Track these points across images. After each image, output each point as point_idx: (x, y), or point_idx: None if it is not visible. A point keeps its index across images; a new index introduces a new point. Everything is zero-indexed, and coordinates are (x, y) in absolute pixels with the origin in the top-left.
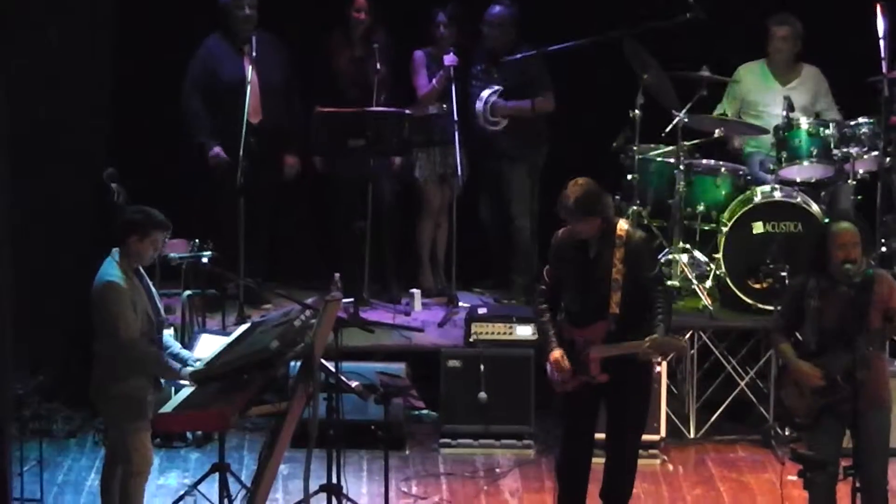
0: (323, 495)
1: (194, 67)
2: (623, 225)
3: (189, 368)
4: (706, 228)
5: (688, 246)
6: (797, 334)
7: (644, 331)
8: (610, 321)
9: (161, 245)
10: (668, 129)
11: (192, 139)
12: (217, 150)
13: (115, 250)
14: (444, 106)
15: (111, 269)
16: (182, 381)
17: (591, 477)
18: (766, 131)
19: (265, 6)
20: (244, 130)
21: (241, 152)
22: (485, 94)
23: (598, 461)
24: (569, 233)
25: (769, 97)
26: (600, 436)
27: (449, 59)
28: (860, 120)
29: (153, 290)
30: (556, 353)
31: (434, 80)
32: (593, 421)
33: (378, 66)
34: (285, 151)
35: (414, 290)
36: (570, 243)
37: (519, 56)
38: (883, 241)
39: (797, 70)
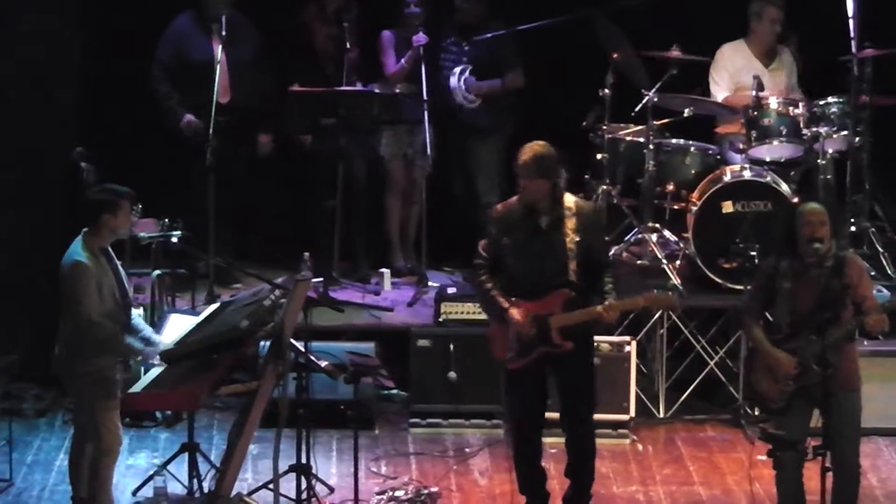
0: (293, 475)
1: (163, 47)
2: (570, 197)
3: (155, 348)
4: (676, 208)
5: (657, 225)
6: (768, 315)
7: (596, 300)
8: (569, 290)
9: (124, 221)
10: (637, 109)
11: (165, 115)
12: (189, 116)
13: (85, 230)
14: (414, 86)
15: (78, 249)
16: (151, 361)
17: (560, 457)
18: (735, 111)
19: None
20: (213, 110)
21: (210, 131)
22: (456, 70)
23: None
24: (512, 205)
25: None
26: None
27: (418, 38)
28: (830, 99)
29: (121, 270)
30: (518, 313)
31: (403, 60)
32: (544, 399)
33: (348, 44)
34: (257, 130)
35: (383, 270)
36: (517, 214)
37: (490, 35)
38: (853, 220)
39: (777, 51)
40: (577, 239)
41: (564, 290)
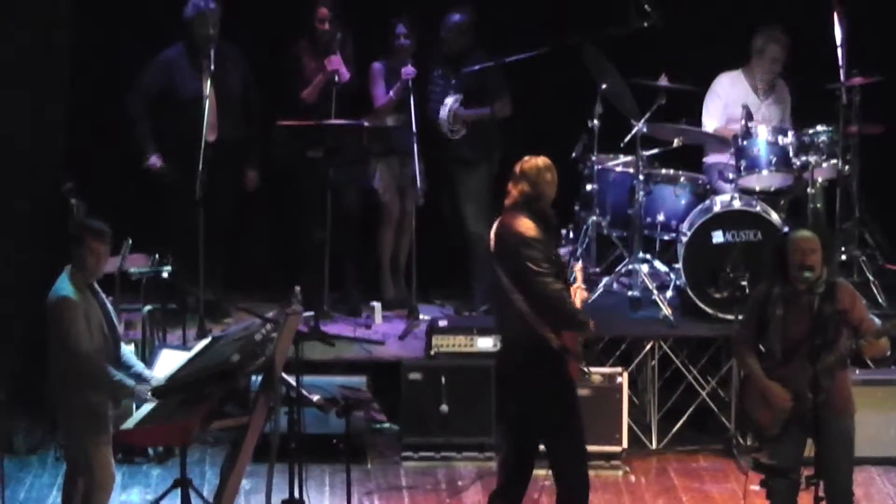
0: None
1: (149, 75)
2: None
3: (146, 385)
4: (666, 238)
5: (647, 256)
6: (761, 345)
7: None
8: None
9: (102, 255)
10: (627, 139)
11: (133, 137)
12: (154, 158)
13: (69, 266)
14: (403, 116)
15: (64, 284)
16: (143, 397)
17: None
18: (726, 141)
19: (231, 14)
20: (202, 145)
21: (199, 166)
22: (448, 101)
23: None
24: (537, 225)
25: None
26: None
27: (407, 71)
28: (818, 128)
29: (109, 306)
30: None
31: (391, 92)
32: None
33: (337, 79)
34: (245, 164)
35: (374, 303)
36: (545, 234)
37: (478, 67)
38: (843, 248)
39: (774, 85)
40: None
41: (577, 286)
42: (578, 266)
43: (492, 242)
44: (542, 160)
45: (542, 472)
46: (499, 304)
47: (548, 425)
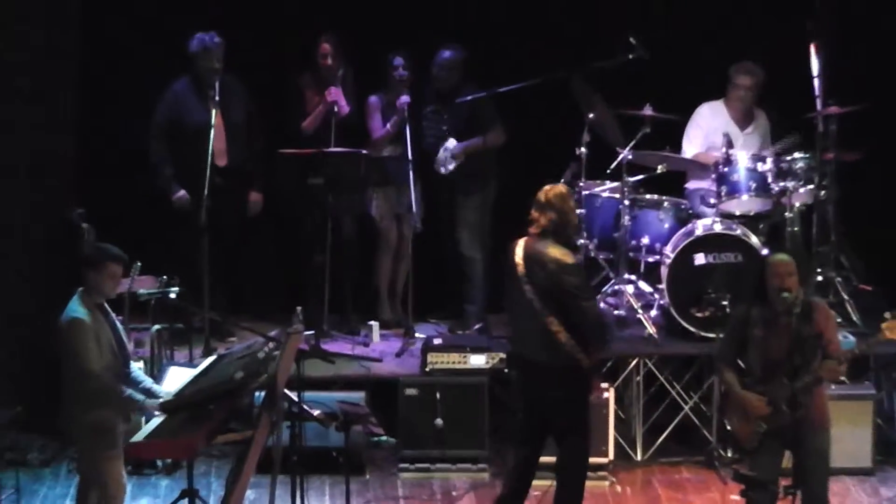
0: None
1: (161, 112)
2: None
3: (155, 400)
4: (650, 260)
5: (633, 277)
6: (740, 362)
7: None
8: None
9: (118, 278)
10: (613, 166)
11: (156, 180)
12: (181, 193)
13: (80, 289)
14: (399, 147)
15: (75, 307)
16: (152, 411)
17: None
18: (706, 167)
19: (237, 47)
20: (208, 171)
21: (205, 192)
22: (450, 143)
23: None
24: (562, 243)
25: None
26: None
27: (402, 101)
28: (796, 155)
29: (118, 325)
30: None
31: (388, 125)
32: None
33: (336, 109)
34: (249, 190)
35: (372, 322)
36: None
37: (470, 98)
38: (819, 269)
39: (753, 115)
40: None
41: None
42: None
43: (518, 266)
44: (563, 188)
45: (542, 483)
46: (523, 323)
47: (567, 437)
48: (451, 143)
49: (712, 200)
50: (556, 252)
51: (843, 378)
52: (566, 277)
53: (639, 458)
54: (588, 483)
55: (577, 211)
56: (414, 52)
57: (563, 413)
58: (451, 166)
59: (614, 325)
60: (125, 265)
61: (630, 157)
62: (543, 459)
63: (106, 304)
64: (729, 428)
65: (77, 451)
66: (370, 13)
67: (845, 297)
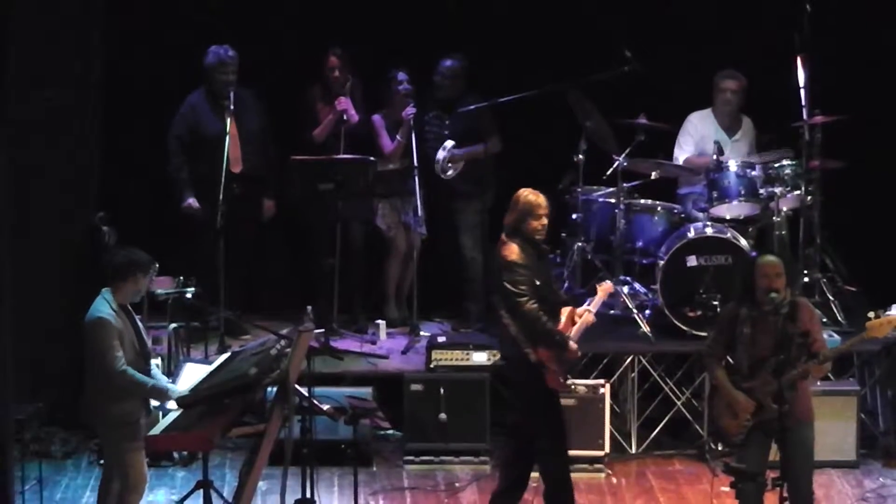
0: None
1: (178, 124)
2: None
3: (176, 388)
4: (644, 262)
5: (628, 278)
6: (729, 358)
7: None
8: (571, 308)
9: (145, 283)
10: (609, 172)
11: (173, 188)
12: (190, 200)
13: (106, 289)
14: (407, 158)
15: (101, 307)
16: (169, 405)
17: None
18: (698, 173)
19: (251, 62)
20: (224, 178)
21: (220, 197)
22: (449, 143)
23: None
24: (518, 244)
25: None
26: None
27: (407, 112)
28: (784, 162)
29: (140, 324)
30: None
31: (399, 137)
32: None
33: (345, 118)
34: (263, 196)
35: (379, 321)
36: (530, 257)
37: (473, 107)
38: (805, 271)
39: (740, 122)
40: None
41: (570, 308)
42: (604, 287)
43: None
44: (524, 189)
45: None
46: (495, 322)
47: (533, 429)
48: (450, 143)
49: (703, 205)
50: (507, 250)
51: (829, 374)
52: (505, 274)
53: (633, 451)
54: (584, 475)
55: (573, 215)
56: (414, 65)
57: (517, 404)
58: (451, 172)
59: (553, 330)
60: (151, 271)
61: (625, 164)
62: None
63: (128, 304)
64: (717, 422)
65: (102, 443)
66: (374, 28)
67: (830, 297)
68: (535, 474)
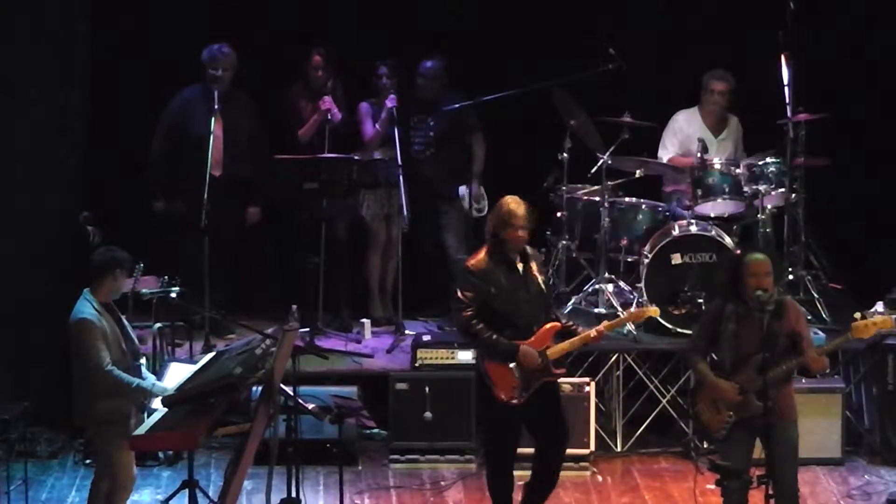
0: None
1: (167, 115)
2: None
3: (160, 385)
4: (629, 260)
5: (613, 276)
6: (713, 354)
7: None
8: (554, 323)
9: (124, 281)
10: (593, 171)
11: (147, 180)
12: (158, 205)
13: (86, 290)
14: (390, 150)
15: (83, 307)
16: (154, 405)
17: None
18: (682, 171)
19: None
20: (207, 177)
21: (205, 197)
22: (462, 190)
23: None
24: (483, 257)
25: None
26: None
27: (390, 101)
28: (768, 160)
29: (125, 322)
30: (527, 347)
31: (377, 125)
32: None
33: (329, 117)
34: (247, 201)
35: (364, 320)
36: (497, 265)
37: (457, 105)
38: (790, 269)
39: (726, 121)
40: (542, 278)
41: (555, 324)
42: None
43: None
44: (509, 197)
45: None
46: None
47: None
48: (463, 189)
49: (688, 203)
50: (471, 256)
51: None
52: (459, 279)
53: (619, 449)
54: (570, 473)
55: (557, 214)
56: (399, 63)
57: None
58: (482, 204)
59: (486, 338)
60: (131, 270)
61: (609, 162)
62: (520, 451)
63: (112, 303)
64: (699, 417)
65: (91, 442)
66: (356, 28)
67: (815, 294)
68: (522, 472)
